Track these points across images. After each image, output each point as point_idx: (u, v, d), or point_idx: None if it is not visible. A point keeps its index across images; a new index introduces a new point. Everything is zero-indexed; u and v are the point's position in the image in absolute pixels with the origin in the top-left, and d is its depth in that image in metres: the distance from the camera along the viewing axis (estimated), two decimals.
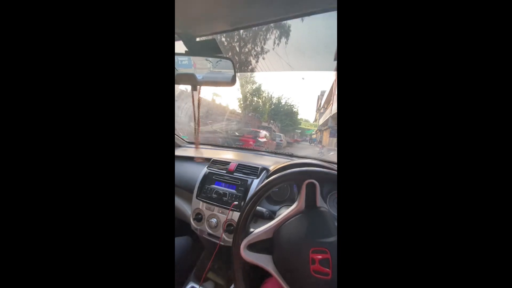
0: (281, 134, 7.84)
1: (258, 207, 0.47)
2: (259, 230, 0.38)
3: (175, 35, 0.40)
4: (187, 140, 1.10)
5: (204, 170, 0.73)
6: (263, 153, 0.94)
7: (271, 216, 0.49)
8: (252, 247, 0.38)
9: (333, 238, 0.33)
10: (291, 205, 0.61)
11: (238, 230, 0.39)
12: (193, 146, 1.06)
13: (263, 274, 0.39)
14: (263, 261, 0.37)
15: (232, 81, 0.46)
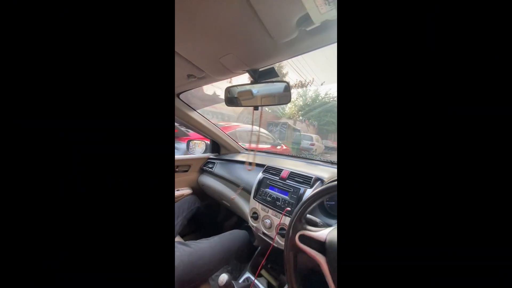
0: (313, 136, 5.89)
1: (313, 217, 0.49)
2: (313, 229, 0.42)
3: (244, 70, 0.52)
4: (245, 147, 1.28)
5: (259, 174, 0.83)
6: (316, 162, 0.93)
7: (325, 227, 0.49)
8: (304, 240, 0.41)
9: None
10: None
11: (289, 234, 0.43)
12: (251, 152, 1.22)
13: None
14: (317, 256, 0.38)
15: (287, 100, 0.53)
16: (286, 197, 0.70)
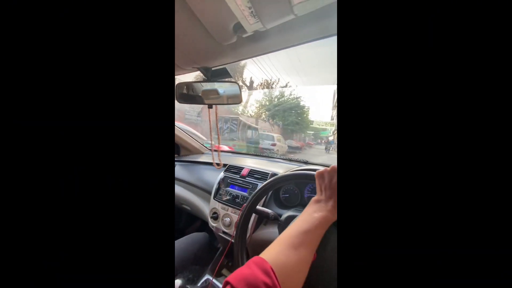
0: (275, 135, 5.37)
1: (265, 209, 0.53)
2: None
3: (194, 68, 0.50)
4: (209, 148, 1.24)
5: (221, 174, 0.83)
6: (277, 159, 1.00)
7: (276, 217, 0.54)
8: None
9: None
10: (299, 209, 0.65)
11: (240, 225, 0.46)
12: (215, 153, 1.19)
13: None
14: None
15: (239, 100, 0.55)
16: (245, 194, 0.72)
